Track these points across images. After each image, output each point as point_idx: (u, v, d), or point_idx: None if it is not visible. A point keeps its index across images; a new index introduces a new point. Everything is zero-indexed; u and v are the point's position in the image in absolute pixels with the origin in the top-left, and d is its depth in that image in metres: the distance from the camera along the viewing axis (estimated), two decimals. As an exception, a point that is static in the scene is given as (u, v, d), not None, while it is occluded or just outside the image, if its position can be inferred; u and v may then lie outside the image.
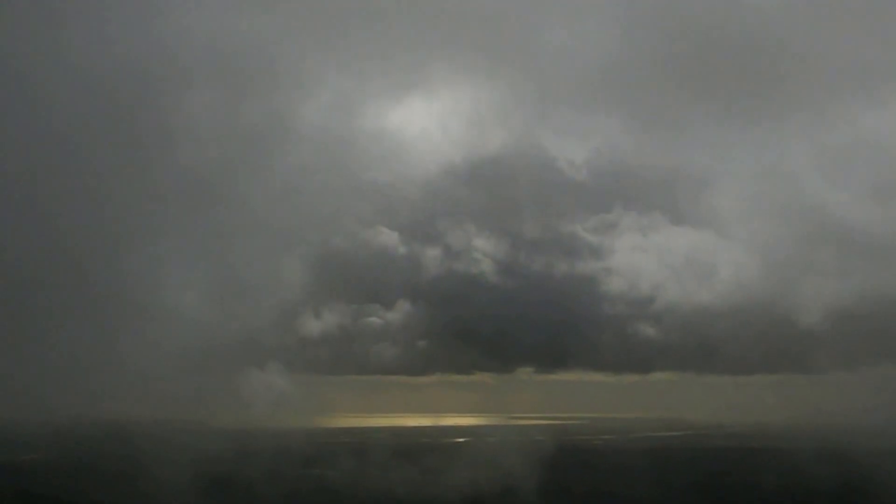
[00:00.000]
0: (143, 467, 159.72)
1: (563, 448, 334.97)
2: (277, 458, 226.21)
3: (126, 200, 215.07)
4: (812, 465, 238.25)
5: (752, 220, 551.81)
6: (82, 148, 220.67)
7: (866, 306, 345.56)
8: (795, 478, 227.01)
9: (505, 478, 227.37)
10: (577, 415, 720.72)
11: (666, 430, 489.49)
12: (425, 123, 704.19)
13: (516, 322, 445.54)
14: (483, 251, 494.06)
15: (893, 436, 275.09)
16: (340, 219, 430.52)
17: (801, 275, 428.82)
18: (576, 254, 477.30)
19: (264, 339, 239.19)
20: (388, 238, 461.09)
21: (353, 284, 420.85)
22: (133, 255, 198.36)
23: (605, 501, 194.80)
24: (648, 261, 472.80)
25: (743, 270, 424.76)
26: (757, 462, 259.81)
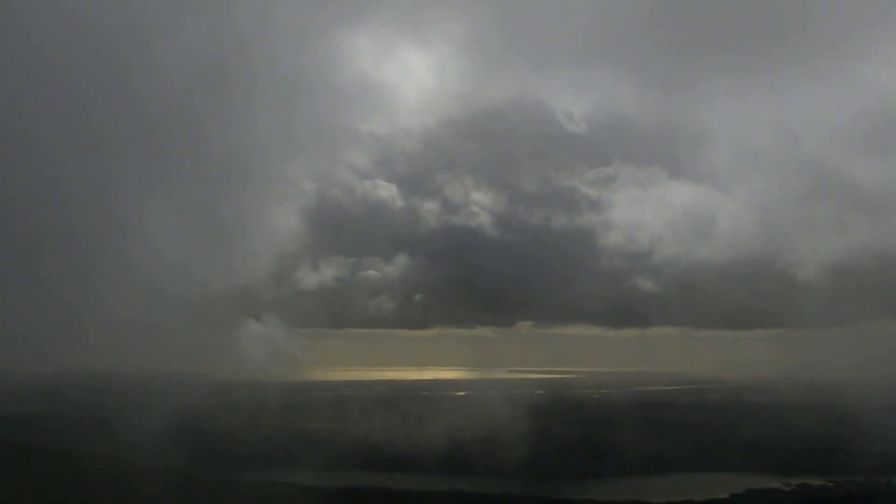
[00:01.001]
0: (130, 419, 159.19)
1: (563, 401, 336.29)
2: (260, 410, 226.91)
3: (115, 148, 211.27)
4: (809, 419, 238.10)
5: (750, 174, 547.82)
6: (72, 95, 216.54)
7: (864, 261, 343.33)
8: (792, 431, 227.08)
9: (503, 431, 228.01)
10: (576, 369, 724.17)
11: (664, 385, 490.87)
12: (422, 75, 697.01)
13: (515, 276, 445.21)
14: (481, 205, 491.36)
15: (890, 390, 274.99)
16: (337, 170, 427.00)
17: (799, 229, 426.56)
18: (574, 207, 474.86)
19: (260, 291, 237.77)
20: (387, 191, 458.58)
21: (351, 237, 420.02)
22: (123, 205, 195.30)
23: (605, 454, 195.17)
24: (647, 215, 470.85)
25: (741, 225, 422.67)
26: (754, 416, 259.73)
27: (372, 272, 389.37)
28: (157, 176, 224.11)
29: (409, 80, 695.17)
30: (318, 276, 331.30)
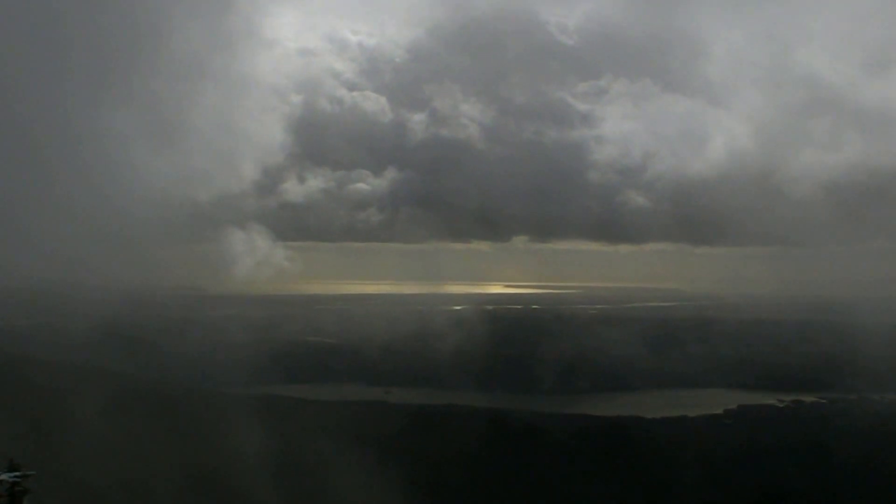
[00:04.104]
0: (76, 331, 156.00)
1: (558, 316, 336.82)
2: (251, 323, 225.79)
3: (67, 49, 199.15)
4: (803, 336, 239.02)
5: (745, 88, 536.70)
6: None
7: (859, 180, 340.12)
8: (787, 348, 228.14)
9: (498, 346, 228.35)
10: (572, 284, 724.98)
11: (660, 301, 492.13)
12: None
13: (507, 190, 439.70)
14: (470, 117, 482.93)
15: (884, 310, 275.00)
16: (324, 80, 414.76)
17: (794, 145, 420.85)
18: (566, 121, 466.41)
19: (244, 201, 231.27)
20: (375, 103, 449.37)
21: (339, 149, 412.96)
22: (98, 118, 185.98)
23: (600, 369, 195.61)
24: (640, 129, 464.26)
25: (735, 140, 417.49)
26: (749, 333, 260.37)
27: (361, 185, 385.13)
28: (114, 77, 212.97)
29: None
30: (305, 188, 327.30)
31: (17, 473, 26.88)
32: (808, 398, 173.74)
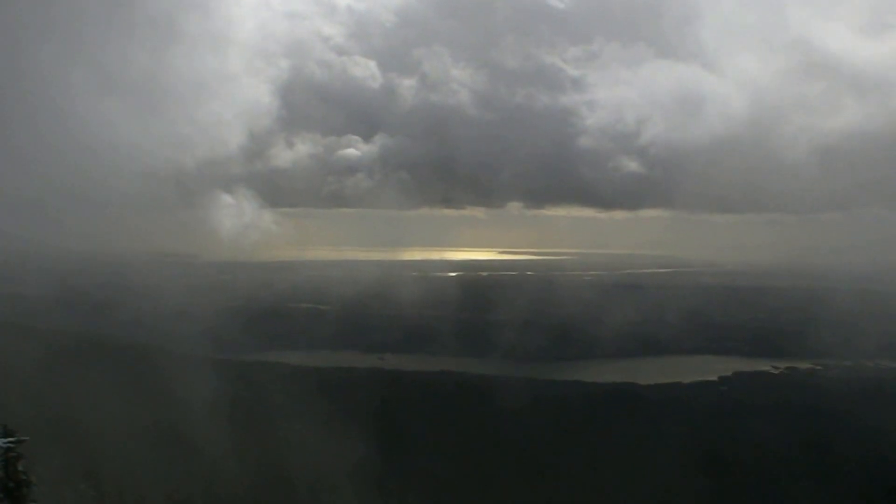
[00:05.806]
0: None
1: (553, 283, 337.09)
2: (245, 290, 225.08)
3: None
4: (800, 304, 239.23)
5: (739, 52, 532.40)
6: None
7: (855, 145, 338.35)
8: (782, 316, 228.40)
9: (492, 313, 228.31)
10: (567, 250, 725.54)
11: (656, 267, 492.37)
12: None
13: (499, 156, 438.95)
14: (461, 82, 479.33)
15: (881, 277, 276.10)
16: (313, 44, 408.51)
17: (789, 110, 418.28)
18: (557, 86, 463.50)
19: (231, 166, 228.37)
20: (364, 67, 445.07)
21: (328, 114, 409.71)
22: (74, 79, 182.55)
23: (594, 336, 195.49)
24: (633, 94, 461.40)
25: (730, 105, 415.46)
26: (745, 300, 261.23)
27: (351, 150, 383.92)
28: (81, 39, 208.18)
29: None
30: (294, 153, 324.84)
31: (10, 439, 26.34)
32: (803, 365, 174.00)
